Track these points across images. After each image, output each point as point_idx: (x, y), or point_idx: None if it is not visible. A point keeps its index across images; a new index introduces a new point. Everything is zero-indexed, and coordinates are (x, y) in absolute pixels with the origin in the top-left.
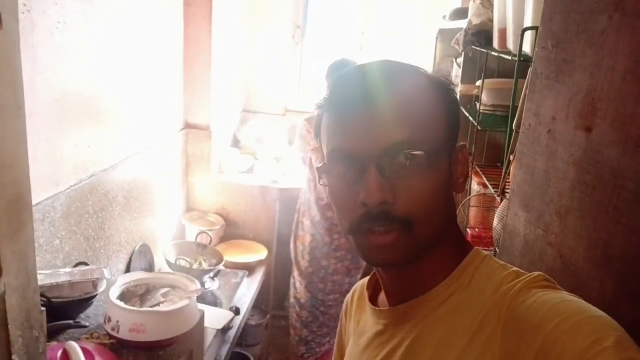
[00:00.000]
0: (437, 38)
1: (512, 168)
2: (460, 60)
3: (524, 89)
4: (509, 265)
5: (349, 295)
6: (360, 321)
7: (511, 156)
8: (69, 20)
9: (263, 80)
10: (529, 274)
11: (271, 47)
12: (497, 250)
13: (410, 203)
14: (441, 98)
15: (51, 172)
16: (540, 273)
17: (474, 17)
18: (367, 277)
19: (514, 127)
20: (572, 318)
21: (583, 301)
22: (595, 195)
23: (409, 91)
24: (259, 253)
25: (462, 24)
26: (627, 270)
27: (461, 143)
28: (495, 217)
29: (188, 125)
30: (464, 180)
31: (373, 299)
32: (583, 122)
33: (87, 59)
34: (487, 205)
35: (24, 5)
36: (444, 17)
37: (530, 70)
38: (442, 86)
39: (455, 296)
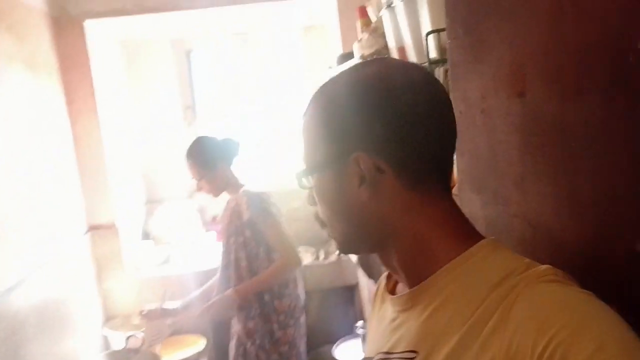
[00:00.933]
0: None
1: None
2: None
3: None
4: (521, 257)
5: (378, 283)
6: (381, 308)
7: None
8: None
9: (163, 166)
10: (537, 268)
11: (164, 132)
12: None
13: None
14: (329, 112)
15: None
16: (550, 267)
17: (365, 49)
18: None
19: None
20: (576, 321)
21: (591, 300)
22: (547, 152)
23: (304, 121)
24: (197, 344)
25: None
26: (603, 211)
27: (355, 154)
28: None
29: (92, 227)
30: (366, 187)
31: (394, 287)
32: (514, 90)
33: None
34: None
35: None
36: (330, 67)
37: (442, 70)
38: (342, 100)
39: (457, 284)
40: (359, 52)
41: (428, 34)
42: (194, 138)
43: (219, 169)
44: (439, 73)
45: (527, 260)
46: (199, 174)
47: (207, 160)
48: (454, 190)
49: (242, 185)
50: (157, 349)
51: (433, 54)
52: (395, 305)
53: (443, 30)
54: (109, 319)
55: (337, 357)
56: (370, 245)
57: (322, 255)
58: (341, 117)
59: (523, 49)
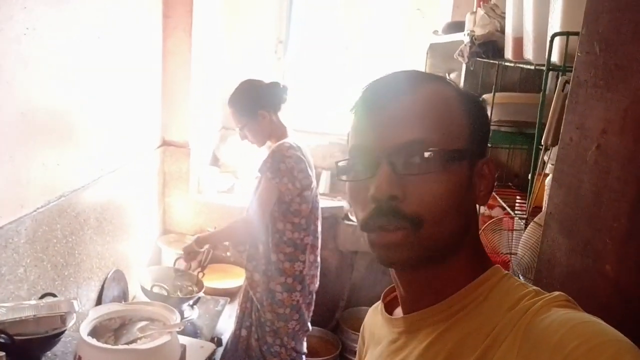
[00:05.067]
0: (427, 53)
1: (538, 189)
2: (454, 75)
3: (553, 102)
4: (529, 285)
5: (369, 311)
6: (375, 333)
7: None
8: (38, 27)
9: None
10: (549, 294)
11: (253, 63)
12: (521, 278)
13: (419, 201)
14: (466, 109)
15: (15, 193)
16: (561, 293)
17: (478, 27)
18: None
19: (542, 143)
20: (592, 341)
21: (604, 323)
22: None
23: (429, 95)
24: (240, 278)
25: (457, 37)
26: None
27: (488, 157)
28: (520, 244)
29: (165, 143)
30: (487, 194)
31: (390, 310)
32: None
33: (58, 71)
34: (492, 228)
35: None
36: (436, 31)
37: (559, 80)
38: (470, 99)
39: (470, 308)
40: (469, 27)
41: (554, 35)
42: (239, 83)
43: (261, 116)
44: (554, 83)
45: (534, 287)
46: (240, 122)
47: (248, 107)
48: (536, 219)
49: (287, 136)
50: (200, 276)
51: (555, 57)
52: (395, 326)
53: (574, 34)
54: (164, 233)
55: None
56: (433, 256)
57: None
58: (478, 116)
59: None
